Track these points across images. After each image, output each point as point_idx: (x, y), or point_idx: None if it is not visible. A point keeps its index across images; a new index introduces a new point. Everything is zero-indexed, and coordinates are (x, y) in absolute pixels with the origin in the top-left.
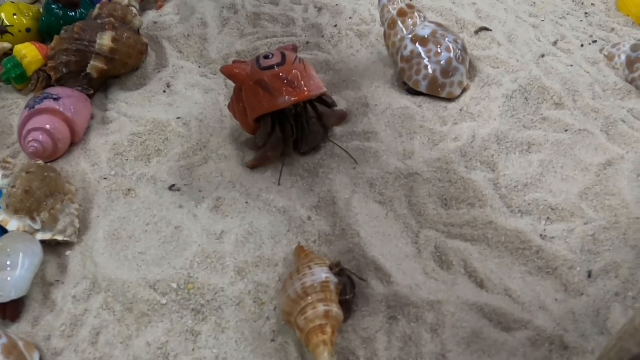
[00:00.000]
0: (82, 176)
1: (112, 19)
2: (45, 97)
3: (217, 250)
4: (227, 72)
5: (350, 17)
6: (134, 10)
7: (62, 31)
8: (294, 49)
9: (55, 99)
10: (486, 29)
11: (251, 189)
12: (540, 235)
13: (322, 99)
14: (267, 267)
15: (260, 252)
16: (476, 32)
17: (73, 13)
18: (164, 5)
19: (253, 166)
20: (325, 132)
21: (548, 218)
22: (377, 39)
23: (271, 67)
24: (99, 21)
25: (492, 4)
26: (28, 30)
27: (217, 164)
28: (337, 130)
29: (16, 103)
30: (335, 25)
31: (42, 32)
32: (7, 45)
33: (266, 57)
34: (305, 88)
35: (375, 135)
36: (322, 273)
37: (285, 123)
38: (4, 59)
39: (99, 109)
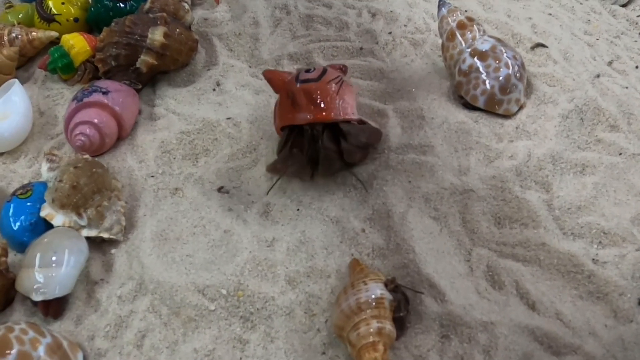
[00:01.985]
0: (129, 173)
1: (164, 14)
2: (94, 90)
3: (268, 258)
4: (267, 76)
5: (405, 25)
6: (186, 6)
7: (113, 24)
8: (343, 70)
9: (104, 93)
10: (542, 45)
11: (303, 196)
12: (593, 259)
13: (349, 129)
14: (319, 278)
15: (312, 263)
16: (532, 48)
17: (123, 5)
18: (220, 1)
19: (268, 171)
20: (344, 164)
21: (600, 242)
22: (432, 49)
23: (306, 81)
24: (151, 15)
25: (548, 20)
26: (76, 20)
27: None
28: (394, 142)
29: (61, 94)
30: (390, 33)
31: (90, 23)
32: (54, 34)
33: (307, 70)
34: (325, 110)
35: (431, 150)
36: (377, 289)
37: (302, 142)
38: (51, 48)
39: (146, 104)
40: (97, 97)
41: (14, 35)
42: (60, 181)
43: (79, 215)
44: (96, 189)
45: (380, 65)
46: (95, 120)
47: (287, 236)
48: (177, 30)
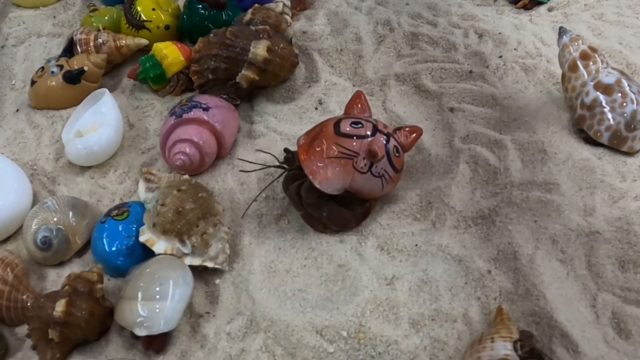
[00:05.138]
0: (230, 195)
1: (267, 27)
2: (194, 106)
3: (389, 298)
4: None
5: (515, 49)
6: (288, 19)
7: (211, 35)
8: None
9: (205, 109)
10: None
11: (418, 231)
12: None
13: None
14: (445, 322)
15: (437, 305)
16: None
17: (219, 15)
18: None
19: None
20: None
21: None
22: (545, 77)
23: (346, 135)
24: (252, 28)
25: None
26: (167, 27)
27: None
28: (516, 177)
29: (151, 105)
30: (501, 57)
31: (182, 32)
32: (144, 41)
33: (355, 123)
34: (321, 171)
35: (557, 188)
36: (502, 349)
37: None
38: (143, 57)
39: (244, 120)
40: (197, 113)
41: (100, 41)
42: (163, 205)
43: (183, 242)
44: (201, 215)
45: (492, 91)
46: (195, 138)
47: (407, 274)
48: (281, 44)
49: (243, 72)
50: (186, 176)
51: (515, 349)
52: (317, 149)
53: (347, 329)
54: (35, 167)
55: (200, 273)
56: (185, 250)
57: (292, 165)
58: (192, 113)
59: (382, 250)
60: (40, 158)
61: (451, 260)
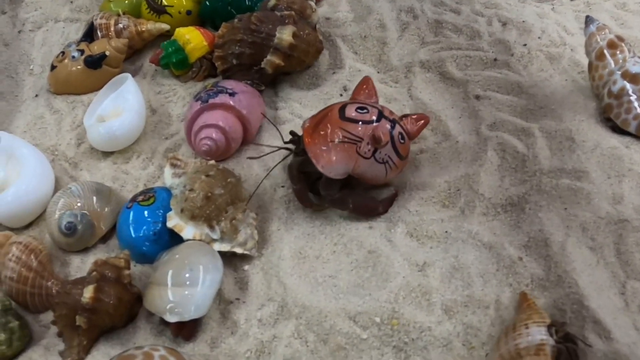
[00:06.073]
0: (256, 181)
1: (292, 13)
2: (220, 91)
3: (422, 285)
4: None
5: (539, 37)
6: (313, 5)
7: (235, 20)
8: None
9: (231, 94)
10: None
11: (447, 217)
12: None
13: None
14: (478, 308)
15: (469, 292)
16: None
17: (242, 0)
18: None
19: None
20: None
21: None
22: (570, 65)
23: (351, 120)
24: (277, 13)
25: None
26: (189, 12)
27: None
28: (545, 164)
29: (174, 90)
30: (525, 45)
31: (204, 17)
32: (165, 26)
33: (361, 108)
34: (325, 154)
35: (586, 176)
36: (538, 335)
37: None
38: (165, 42)
39: (268, 106)
40: (223, 98)
41: (121, 26)
42: (192, 190)
43: (212, 227)
44: (230, 200)
45: (517, 79)
46: (222, 124)
47: (439, 261)
48: (306, 30)
49: (268, 57)
50: (212, 161)
51: (550, 334)
52: (322, 133)
53: (380, 315)
54: (56, 153)
55: (228, 259)
56: (214, 236)
57: (298, 148)
58: (218, 98)
59: (411, 237)
60: (62, 143)
61: (482, 247)
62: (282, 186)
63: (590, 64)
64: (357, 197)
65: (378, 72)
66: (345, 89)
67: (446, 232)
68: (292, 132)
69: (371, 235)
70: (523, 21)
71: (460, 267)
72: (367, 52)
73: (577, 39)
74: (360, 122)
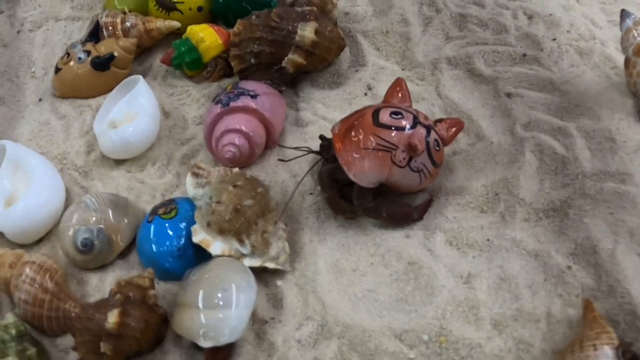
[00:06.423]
0: (283, 189)
1: (314, 8)
2: (241, 94)
3: (468, 298)
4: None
5: (568, 31)
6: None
7: (253, 16)
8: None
9: (253, 97)
10: None
11: (487, 223)
12: None
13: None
14: (528, 322)
15: (518, 304)
16: None
17: None
18: None
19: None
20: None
21: None
22: (602, 60)
23: (384, 126)
24: (297, 9)
25: None
26: (200, 9)
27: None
28: (586, 166)
29: (187, 92)
30: (554, 39)
31: (216, 13)
32: (175, 24)
33: (395, 113)
34: (357, 162)
35: (630, 178)
36: (606, 358)
37: None
38: (177, 42)
39: (289, 107)
40: (245, 101)
41: (128, 24)
42: (219, 202)
43: (241, 242)
44: (260, 212)
45: (548, 76)
46: (245, 128)
47: (484, 271)
48: (327, 26)
49: (290, 56)
50: (236, 169)
51: (618, 357)
52: (354, 139)
53: (428, 332)
54: (64, 161)
55: (258, 274)
56: (244, 251)
57: (328, 154)
58: (239, 101)
59: (451, 245)
60: (70, 151)
61: (527, 256)
62: (311, 193)
63: (627, 60)
64: (391, 204)
65: (403, 70)
66: (369, 88)
67: (488, 240)
68: (322, 137)
69: (409, 245)
70: (550, 14)
71: (506, 277)
72: (389, 49)
73: (606, 32)
74: (394, 128)
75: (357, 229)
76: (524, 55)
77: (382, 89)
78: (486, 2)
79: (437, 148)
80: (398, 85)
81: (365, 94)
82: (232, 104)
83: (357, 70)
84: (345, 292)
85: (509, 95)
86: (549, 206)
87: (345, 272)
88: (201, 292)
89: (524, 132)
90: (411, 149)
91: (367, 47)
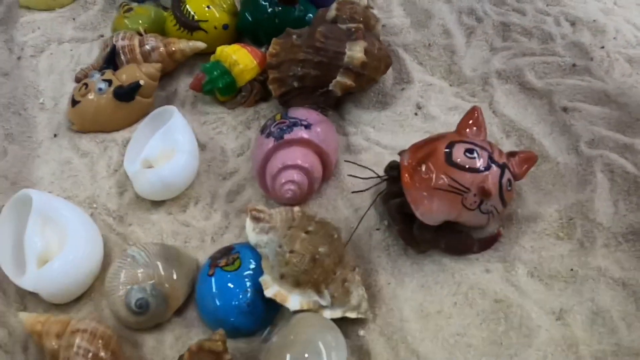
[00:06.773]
0: (347, 225)
1: (360, 25)
2: (294, 124)
3: (565, 336)
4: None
5: (614, 38)
6: (376, 14)
7: (294, 36)
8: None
9: (306, 127)
10: None
11: (570, 252)
12: None
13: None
14: (627, 356)
15: (616, 339)
16: None
17: (290, 11)
18: None
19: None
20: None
21: None
22: None
23: (458, 167)
24: (342, 26)
25: None
26: (225, 27)
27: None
28: None
29: (221, 119)
30: (603, 47)
31: (243, 31)
32: (201, 44)
33: (470, 151)
34: (425, 201)
35: None
36: None
37: None
38: (206, 65)
39: (337, 133)
40: (299, 132)
41: (148, 47)
42: (292, 252)
43: (320, 293)
44: (338, 260)
45: (602, 87)
46: (302, 162)
47: (575, 305)
48: (375, 44)
49: (338, 78)
50: (297, 208)
51: None
52: (424, 176)
53: None
54: (94, 205)
55: (337, 324)
56: (324, 303)
57: (395, 186)
58: (294, 133)
59: (532, 277)
60: (100, 194)
61: (615, 285)
62: (377, 229)
63: None
64: (451, 238)
65: (451, 86)
66: (419, 107)
67: (572, 269)
68: (392, 164)
69: (491, 280)
70: (594, 20)
71: (599, 311)
72: (434, 63)
73: None
74: (468, 169)
75: (431, 264)
76: (574, 65)
77: (432, 108)
78: (526, 9)
79: (509, 188)
80: (472, 115)
81: (416, 114)
82: (286, 137)
83: (403, 89)
84: (436, 338)
85: (565, 109)
86: (627, 229)
87: (431, 316)
88: (288, 356)
89: (590, 150)
90: (484, 194)
91: (409, 62)
